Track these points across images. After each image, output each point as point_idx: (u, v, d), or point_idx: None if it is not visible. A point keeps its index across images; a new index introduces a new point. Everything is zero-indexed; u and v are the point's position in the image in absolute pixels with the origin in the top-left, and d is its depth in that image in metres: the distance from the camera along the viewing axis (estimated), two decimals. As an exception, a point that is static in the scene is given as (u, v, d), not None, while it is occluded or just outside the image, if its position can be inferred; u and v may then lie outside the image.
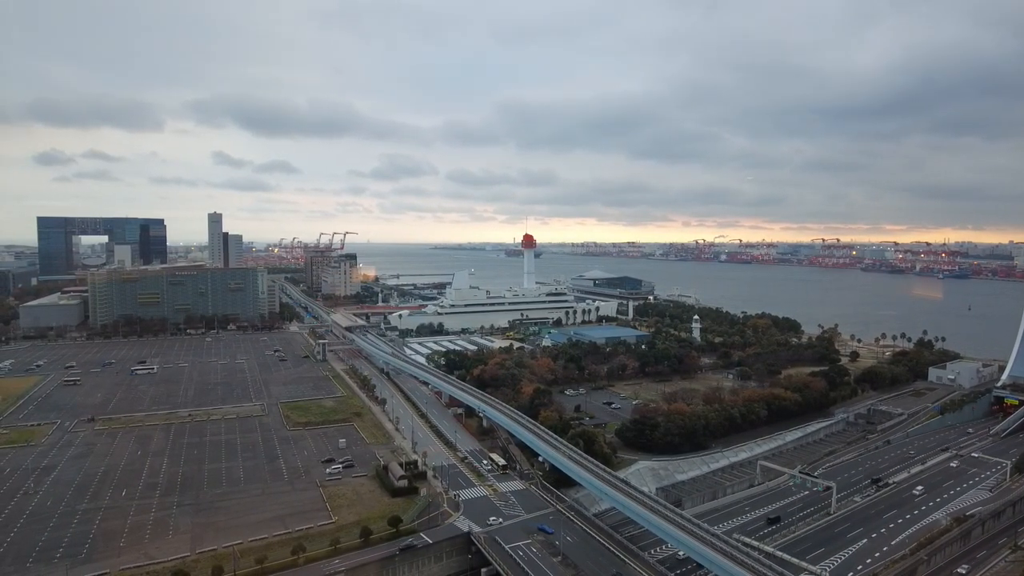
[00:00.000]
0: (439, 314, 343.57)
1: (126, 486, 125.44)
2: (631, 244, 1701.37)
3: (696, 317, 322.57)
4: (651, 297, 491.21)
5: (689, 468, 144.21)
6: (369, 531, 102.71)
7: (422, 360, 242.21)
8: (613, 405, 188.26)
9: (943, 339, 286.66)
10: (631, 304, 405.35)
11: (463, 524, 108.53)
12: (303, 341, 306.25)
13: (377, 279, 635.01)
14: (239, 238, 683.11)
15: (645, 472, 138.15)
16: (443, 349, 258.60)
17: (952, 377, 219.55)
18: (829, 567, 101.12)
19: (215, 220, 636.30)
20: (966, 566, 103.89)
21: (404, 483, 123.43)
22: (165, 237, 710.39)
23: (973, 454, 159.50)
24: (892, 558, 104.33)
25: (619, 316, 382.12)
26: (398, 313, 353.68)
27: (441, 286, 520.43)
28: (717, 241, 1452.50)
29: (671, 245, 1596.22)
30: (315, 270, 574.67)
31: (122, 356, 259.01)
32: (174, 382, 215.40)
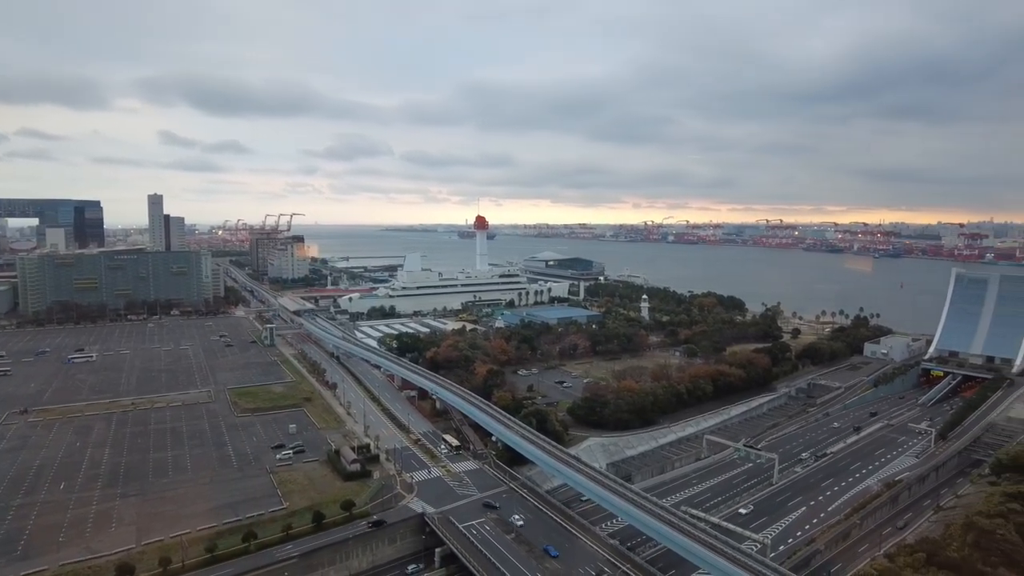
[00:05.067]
0: (391, 297, 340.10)
1: (65, 479, 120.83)
2: (583, 226, 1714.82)
3: (645, 297, 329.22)
4: (602, 278, 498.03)
5: (638, 443, 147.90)
6: (322, 516, 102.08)
7: (373, 343, 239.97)
8: (565, 384, 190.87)
9: (878, 315, 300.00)
10: (582, 285, 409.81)
11: (417, 506, 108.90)
12: (250, 326, 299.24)
13: (325, 261, 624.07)
14: (181, 220, 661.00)
15: (596, 448, 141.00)
16: (395, 332, 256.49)
17: (885, 352, 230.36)
18: (771, 534, 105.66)
19: (155, 202, 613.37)
20: (892, 527, 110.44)
21: (357, 467, 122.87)
22: (102, 219, 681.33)
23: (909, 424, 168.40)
24: (829, 523, 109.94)
25: (571, 297, 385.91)
26: (348, 296, 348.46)
27: (392, 268, 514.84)
28: (666, 222, 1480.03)
29: (621, 226, 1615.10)
30: (261, 253, 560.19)
31: (57, 344, 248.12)
32: (115, 370, 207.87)
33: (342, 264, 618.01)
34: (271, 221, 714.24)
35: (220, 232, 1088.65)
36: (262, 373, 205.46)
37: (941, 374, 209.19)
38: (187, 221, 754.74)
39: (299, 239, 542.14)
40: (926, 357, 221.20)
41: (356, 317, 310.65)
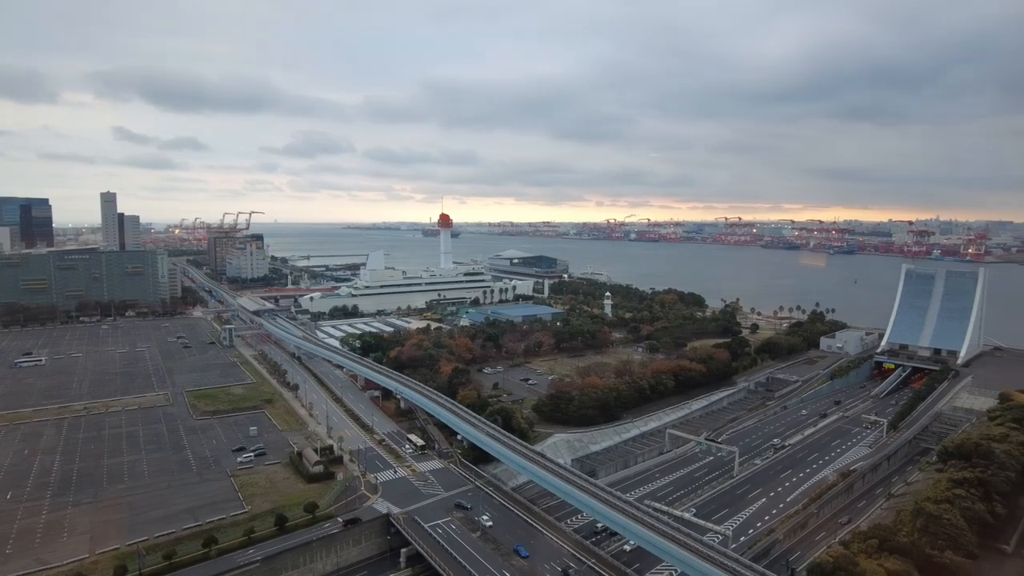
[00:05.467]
0: (353, 296, 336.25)
1: (12, 488, 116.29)
2: (546, 224, 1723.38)
3: (608, 294, 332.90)
4: (566, 275, 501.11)
5: (602, 439, 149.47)
6: (285, 518, 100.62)
7: (336, 343, 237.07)
8: (530, 381, 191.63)
9: (833, 310, 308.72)
10: (547, 282, 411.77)
11: (381, 506, 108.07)
12: (208, 327, 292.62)
13: (286, 260, 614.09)
14: (136, 219, 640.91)
15: (561, 445, 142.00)
16: (358, 332, 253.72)
17: (840, 345, 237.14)
18: (732, 526, 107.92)
19: (108, 200, 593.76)
20: (847, 516, 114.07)
21: (320, 468, 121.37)
22: (51, 218, 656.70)
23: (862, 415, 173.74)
24: (787, 513, 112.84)
25: (535, 294, 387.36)
26: (309, 296, 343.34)
27: (355, 267, 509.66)
28: (628, 220, 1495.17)
29: (584, 225, 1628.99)
30: (219, 252, 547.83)
31: (3, 348, 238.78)
32: (66, 374, 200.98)
33: (303, 263, 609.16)
34: (230, 219, 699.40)
35: (177, 231, 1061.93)
36: (221, 375, 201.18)
37: (892, 366, 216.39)
38: (142, 220, 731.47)
39: (258, 238, 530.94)
40: (878, 350, 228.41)
41: (317, 317, 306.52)
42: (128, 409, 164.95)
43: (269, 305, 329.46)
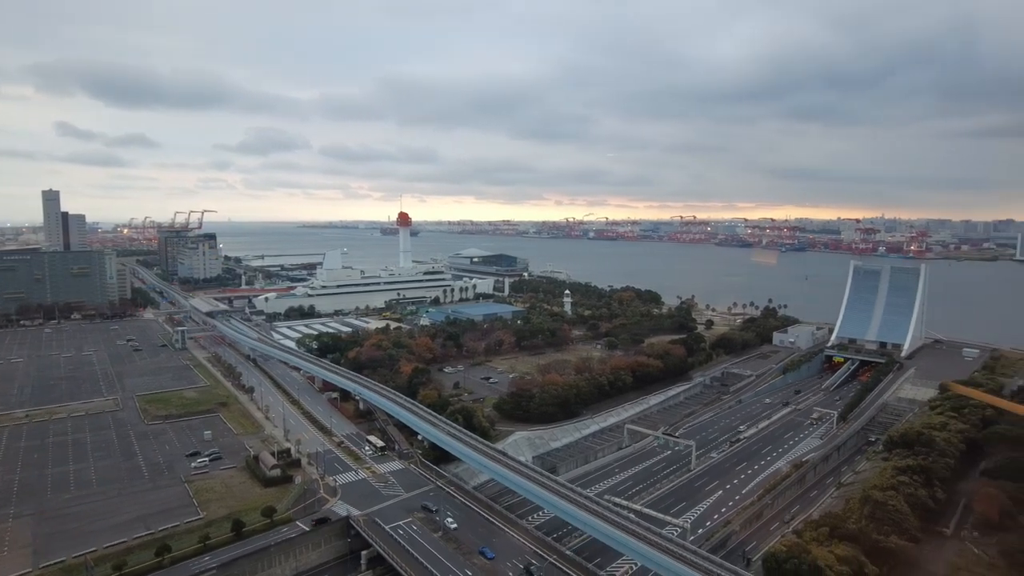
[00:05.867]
0: (309, 296, 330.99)
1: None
2: (506, 222, 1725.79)
3: (567, 292, 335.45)
4: (526, 274, 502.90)
5: (563, 435, 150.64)
6: (242, 524, 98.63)
7: (292, 344, 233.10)
8: (491, 380, 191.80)
9: (785, 306, 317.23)
10: (507, 281, 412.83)
11: (341, 508, 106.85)
12: (159, 329, 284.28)
13: (240, 260, 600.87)
14: (81, 218, 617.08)
15: (522, 442, 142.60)
16: (315, 332, 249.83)
17: (792, 340, 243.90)
18: (690, 518, 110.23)
19: (51, 198, 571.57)
20: (799, 505, 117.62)
21: (277, 472, 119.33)
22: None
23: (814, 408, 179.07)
24: (743, 505, 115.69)
25: (496, 293, 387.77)
26: (264, 296, 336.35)
27: (311, 266, 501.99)
28: (586, 219, 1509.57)
29: (544, 223, 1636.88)
30: (171, 252, 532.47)
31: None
32: (6, 380, 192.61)
33: (257, 263, 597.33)
34: (181, 218, 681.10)
35: (126, 230, 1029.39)
36: (174, 378, 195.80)
37: (842, 360, 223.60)
38: (89, 219, 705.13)
39: (211, 237, 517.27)
40: (828, 344, 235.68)
41: (273, 318, 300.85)
42: (74, 416, 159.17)
43: (223, 306, 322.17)
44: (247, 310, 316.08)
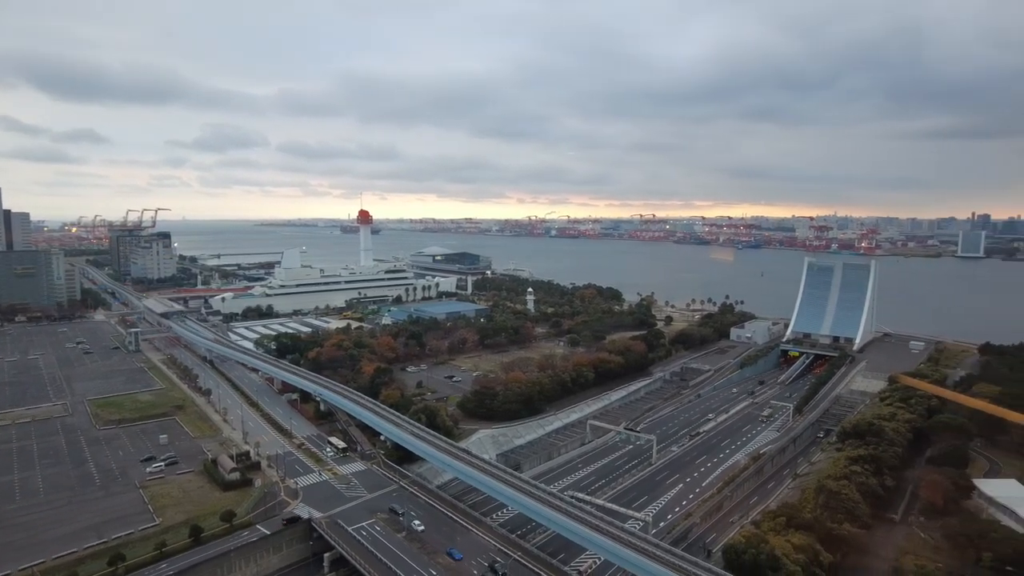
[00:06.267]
0: (268, 296, 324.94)
1: None
2: (468, 220, 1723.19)
3: (530, 290, 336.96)
4: (489, 272, 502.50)
5: (527, 432, 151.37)
6: (200, 529, 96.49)
7: (250, 345, 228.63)
8: (455, 379, 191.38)
9: (742, 302, 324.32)
10: (470, 279, 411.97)
11: (303, 511, 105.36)
12: (111, 330, 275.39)
13: (195, 259, 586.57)
14: (25, 216, 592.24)
15: (486, 440, 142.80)
16: (274, 333, 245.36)
17: (749, 335, 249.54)
18: (652, 512, 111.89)
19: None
20: (757, 496, 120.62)
21: (236, 475, 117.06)
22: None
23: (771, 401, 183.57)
24: (703, 498, 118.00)
25: (459, 291, 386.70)
26: (221, 296, 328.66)
27: (269, 266, 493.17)
28: (548, 217, 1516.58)
29: (507, 221, 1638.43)
30: (123, 251, 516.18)
31: None
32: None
33: (213, 262, 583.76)
34: (134, 217, 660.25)
35: (74, 229, 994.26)
36: (127, 381, 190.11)
37: (797, 354, 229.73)
38: (33, 217, 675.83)
39: (165, 236, 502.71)
40: (784, 339, 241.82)
41: (230, 318, 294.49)
42: (19, 422, 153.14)
43: (178, 306, 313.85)
44: (203, 310, 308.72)
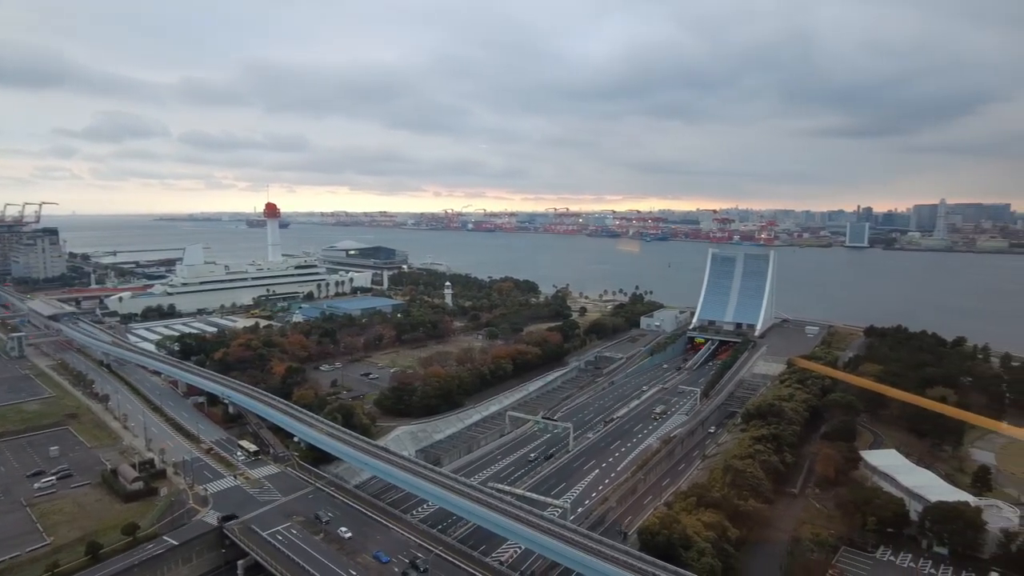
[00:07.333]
0: (169, 294, 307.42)
1: None
2: (383, 213, 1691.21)
3: (448, 284, 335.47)
4: (405, 266, 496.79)
5: (446, 427, 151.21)
6: (98, 545, 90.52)
7: (151, 347, 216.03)
8: (371, 376, 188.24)
9: (651, 292, 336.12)
10: (386, 274, 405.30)
11: (213, 518, 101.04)
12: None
13: (88, 257, 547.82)
14: None
15: (404, 436, 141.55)
16: (177, 333, 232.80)
17: (658, 324, 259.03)
18: (570, 498, 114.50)
19: None
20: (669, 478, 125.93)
21: (139, 485, 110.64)
22: None
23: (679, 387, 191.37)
24: (618, 482, 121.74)
25: (375, 286, 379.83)
26: (118, 296, 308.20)
27: (170, 263, 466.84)
28: (464, 211, 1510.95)
29: (423, 215, 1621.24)
30: (2, 249, 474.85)
31: None
32: None
33: (109, 259, 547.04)
34: (14, 211, 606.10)
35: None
36: (10, 390, 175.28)
37: (703, 341, 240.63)
38: None
39: (52, 232, 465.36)
40: (691, 327, 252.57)
41: (128, 319, 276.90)
42: None
43: (69, 308, 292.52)
44: (98, 311, 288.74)
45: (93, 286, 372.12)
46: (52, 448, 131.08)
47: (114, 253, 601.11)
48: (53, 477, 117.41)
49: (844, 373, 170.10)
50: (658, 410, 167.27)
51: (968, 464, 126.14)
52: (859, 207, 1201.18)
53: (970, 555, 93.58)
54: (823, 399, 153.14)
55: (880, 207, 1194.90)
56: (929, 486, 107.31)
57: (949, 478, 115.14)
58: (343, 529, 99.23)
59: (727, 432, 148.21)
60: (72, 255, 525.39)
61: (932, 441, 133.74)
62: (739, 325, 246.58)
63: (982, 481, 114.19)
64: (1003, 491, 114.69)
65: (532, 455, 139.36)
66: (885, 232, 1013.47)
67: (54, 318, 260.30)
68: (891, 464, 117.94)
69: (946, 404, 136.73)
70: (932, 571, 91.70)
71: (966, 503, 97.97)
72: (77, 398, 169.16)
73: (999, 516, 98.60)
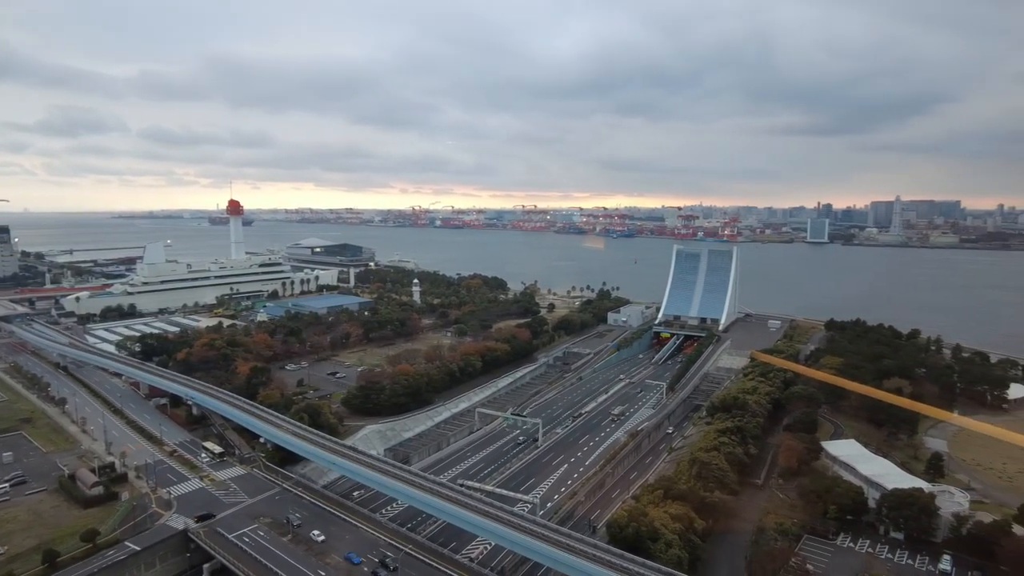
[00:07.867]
0: (129, 294, 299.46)
1: None
2: (350, 210, 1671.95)
3: (416, 281, 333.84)
4: (372, 264, 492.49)
5: (415, 425, 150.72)
6: (55, 553, 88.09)
7: (111, 348, 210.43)
8: (338, 375, 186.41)
9: (617, 288, 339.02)
10: (353, 272, 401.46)
11: (177, 522, 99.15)
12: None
13: (42, 256, 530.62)
14: None
15: (373, 435, 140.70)
16: (138, 333, 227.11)
17: (624, 319, 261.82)
18: (539, 493, 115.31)
19: None
20: (636, 472, 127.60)
21: (99, 490, 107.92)
22: None
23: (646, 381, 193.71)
24: (587, 476, 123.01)
25: (341, 284, 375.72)
26: (75, 295, 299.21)
27: (131, 261, 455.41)
28: (432, 207, 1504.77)
29: (390, 211, 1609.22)
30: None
31: None
32: None
33: (64, 258, 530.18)
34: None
35: None
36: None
37: (668, 335, 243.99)
38: None
39: (3, 230, 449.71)
40: (656, 322, 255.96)
41: (86, 319, 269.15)
42: None
43: (22, 308, 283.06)
44: (54, 312, 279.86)
45: (48, 286, 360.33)
46: (5, 454, 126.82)
47: (70, 252, 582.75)
48: (7, 484, 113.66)
49: (804, 367, 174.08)
50: (616, 411, 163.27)
51: (922, 452, 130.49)
52: (819, 204, 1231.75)
53: (924, 539, 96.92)
54: (785, 392, 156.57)
55: (839, 204, 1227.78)
56: (886, 474, 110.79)
57: (905, 466, 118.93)
58: (316, 532, 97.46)
59: (693, 425, 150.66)
60: (25, 254, 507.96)
61: (889, 430, 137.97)
62: (703, 320, 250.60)
63: (935, 468, 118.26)
64: (954, 477, 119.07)
65: (521, 438, 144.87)
66: (844, 228, 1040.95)
67: (6, 319, 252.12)
68: (850, 454, 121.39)
69: (901, 395, 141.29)
70: (889, 556, 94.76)
71: (920, 490, 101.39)
72: (32, 402, 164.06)
73: (951, 501, 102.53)
